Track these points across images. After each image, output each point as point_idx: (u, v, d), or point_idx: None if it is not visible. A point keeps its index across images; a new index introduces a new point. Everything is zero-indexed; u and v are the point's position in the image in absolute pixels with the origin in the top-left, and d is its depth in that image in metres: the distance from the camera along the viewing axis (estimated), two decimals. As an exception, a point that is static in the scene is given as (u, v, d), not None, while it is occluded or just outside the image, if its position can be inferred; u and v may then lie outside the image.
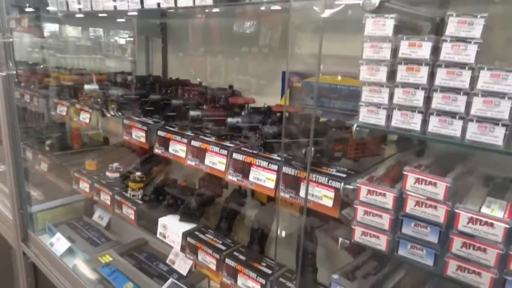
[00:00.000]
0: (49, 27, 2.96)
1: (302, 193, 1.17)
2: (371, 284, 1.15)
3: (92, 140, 2.60)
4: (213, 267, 1.53)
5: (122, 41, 2.92)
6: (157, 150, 1.66)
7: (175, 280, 1.72)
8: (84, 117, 2.06)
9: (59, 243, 2.22)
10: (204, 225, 1.73)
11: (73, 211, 2.61)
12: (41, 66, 3.02)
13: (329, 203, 1.11)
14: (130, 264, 2.03)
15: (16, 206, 2.32)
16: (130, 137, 1.80)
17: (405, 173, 0.94)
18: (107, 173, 2.10)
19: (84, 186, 2.21)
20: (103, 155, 2.43)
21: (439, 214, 0.91)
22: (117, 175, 2.10)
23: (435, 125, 0.90)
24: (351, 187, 1.07)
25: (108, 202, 2.07)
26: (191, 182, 2.01)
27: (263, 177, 1.27)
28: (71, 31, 3.16)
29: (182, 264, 2.01)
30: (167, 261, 2.05)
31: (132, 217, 1.93)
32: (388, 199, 0.98)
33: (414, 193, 0.93)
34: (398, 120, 0.96)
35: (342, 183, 1.08)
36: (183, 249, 1.68)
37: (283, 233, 1.62)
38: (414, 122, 0.93)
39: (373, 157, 1.31)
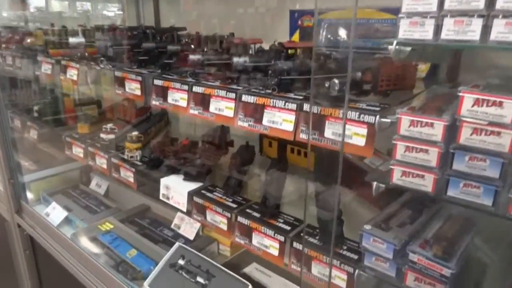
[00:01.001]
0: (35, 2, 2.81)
1: (327, 133, 1.01)
2: (409, 234, 1.01)
3: (83, 101, 2.41)
4: (224, 227, 1.39)
5: (110, 14, 2.81)
6: (155, 102, 1.47)
7: (182, 244, 1.58)
8: (71, 73, 1.86)
9: (55, 213, 2.07)
10: (210, 183, 1.58)
11: (69, 180, 2.46)
12: (23, 28, 2.79)
13: (361, 141, 0.95)
14: (132, 230, 1.90)
15: (6, 175, 2.16)
16: (123, 90, 1.62)
17: (460, 94, 0.77)
18: (102, 135, 1.93)
19: (78, 151, 2.04)
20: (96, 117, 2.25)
21: (504, 142, 0.75)
22: (112, 136, 1.92)
23: (501, 31, 0.72)
24: (388, 120, 0.90)
25: (105, 166, 1.91)
26: (193, 141, 1.84)
27: (279, 119, 1.10)
28: (57, 5, 3.01)
29: (188, 228, 1.87)
30: (172, 226, 1.92)
31: (132, 180, 1.77)
32: (436, 130, 0.82)
33: (472, 118, 0.77)
34: (450, 30, 0.78)
35: (377, 116, 0.91)
36: (189, 210, 1.53)
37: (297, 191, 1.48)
38: (472, 30, 0.75)
39: (404, 92, 1.14)
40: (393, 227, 1.03)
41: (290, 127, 1.07)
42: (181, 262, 1.53)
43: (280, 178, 1.47)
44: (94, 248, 1.77)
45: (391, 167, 0.89)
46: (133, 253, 1.73)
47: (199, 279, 1.44)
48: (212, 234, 1.85)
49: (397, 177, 0.89)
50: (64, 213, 2.04)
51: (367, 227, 1.02)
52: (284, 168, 1.54)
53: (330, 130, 1.00)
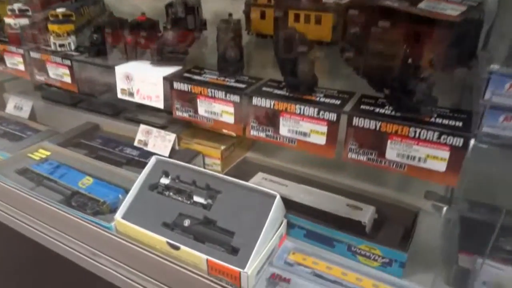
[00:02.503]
0: None
1: None
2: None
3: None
4: (229, 118, 0.94)
5: None
6: None
7: (161, 157, 1.12)
8: None
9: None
10: (193, 65, 1.08)
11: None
12: None
13: None
14: (81, 154, 1.37)
15: None
16: None
17: None
18: (7, 20, 1.28)
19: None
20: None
21: None
22: (25, 21, 1.29)
23: None
24: None
25: (21, 68, 1.30)
26: (151, 19, 1.28)
27: None
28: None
29: (160, 143, 1.40)
30: (136, 144, 1.43)
31: (68, 80, 1.21)
32: None
33: None
34: None
35: None
36: (167, 106, 1.05)
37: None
38: None
39: None
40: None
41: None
42: (164, 181, 1.08)
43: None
44: (26, 183, 1.24)
45: None
46: (88, 181, 1.23)
47: (198, 198, 1.02)
48: (193, 145, 1.40)
49: None
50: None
51: (494, 67, 0.63)
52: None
53: None
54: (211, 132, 1.49)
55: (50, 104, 1.70)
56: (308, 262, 0.95)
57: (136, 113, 1.60)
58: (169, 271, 0.93)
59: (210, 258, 0.88)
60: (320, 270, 0.92)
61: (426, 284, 0.89)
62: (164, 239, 0.94)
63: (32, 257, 1.28)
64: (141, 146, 1.42)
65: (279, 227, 0.97)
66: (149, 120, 1.50)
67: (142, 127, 1.43)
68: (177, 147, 1.39)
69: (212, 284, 0.88)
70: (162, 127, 1.44)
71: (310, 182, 1.19)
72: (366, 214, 1.02)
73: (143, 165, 1.13)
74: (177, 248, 0.92)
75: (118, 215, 1.02)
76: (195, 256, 0.90)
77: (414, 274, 0.94)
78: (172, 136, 1.37)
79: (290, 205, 1.04)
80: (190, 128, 1.53)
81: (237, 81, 0.95)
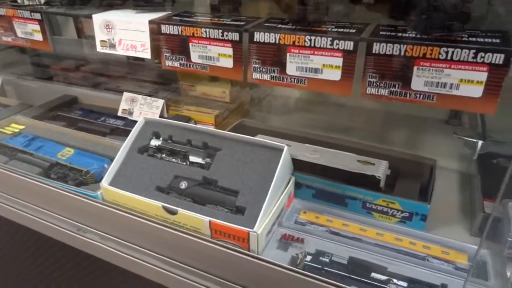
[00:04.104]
0: None
1: None
2: None
3: None
4: (227, 62, 0.82)
5: None
6: None
7: (150, 118, 1.00)
8: None
9: None
10: (183, 10, 0.96)
11: None
12: None
13: None
14: (59, 126, 1.24)
15: None
16: None
17: None
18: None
19: None
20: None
21: None
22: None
23: None
24: None
25: (-15, 30, 1.15)
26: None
27: None
28: None
29: (146, 111, 1.28)
30: (120, 113, 1.30)
31: (39, 37, 1.07)
32: None
33: None
34: None
35: None
36: (156, 56, 0.92)
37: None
38: None
39: None
40: None
41: None
42: (155, 142, 0.96)
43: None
44: (-1, 157, 1.10)
45: None
46: (69, 152, 1.10)
47: (194, 158, 0.90)
48: (183, 112, 1.29)
49: None
50: None
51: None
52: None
53: None
54: (201, 99, 1.38)
55: (21, 79, 1.55)
56: (321, 220, 0.85)
57: (117, 83, 1.47)
58: (167, 239, 0.82)
59: (213, 219, 0.77)
60: (336, 227, 0.83)
61: (450, 236, 0.81)
62: (159, 204, 0.82)
63: (9, 238, 1.15)
64: (125, 115, 1.29)
65: (287, 185, 0.87)
66: (133, 90, 1.38)
67: (126, 95, 1.31)
68: (166, 115, 1.28)
69: (218, 248, 0.77)
70: (148, 95, 1.32)
71: (316, 142, 1.09)
72: (379, 168, 0.94)
73: (127, 134, 1.01)
74: (174, 212, 0.81)
75: (104, 182, 0.90)
76: (195, 219, 0.79)
77: (436, 228, 0.86)
78: (160, 102, 1.25)
79: (295, 164, 0.94)
80: (179, 96, 1.42)
81: (234, 20, 0.84)
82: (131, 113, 1.29)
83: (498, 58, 0.59)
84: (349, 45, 0.69)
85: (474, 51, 0.61)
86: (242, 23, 0.81)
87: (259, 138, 0.89)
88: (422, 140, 1.15)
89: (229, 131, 1.20)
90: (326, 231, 0.82)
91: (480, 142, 0.69)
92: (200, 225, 0.79)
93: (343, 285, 0.67)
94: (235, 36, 0.78)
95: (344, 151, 1.04)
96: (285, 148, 0.84)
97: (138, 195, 0.85)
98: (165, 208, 0.82)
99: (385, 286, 0.69)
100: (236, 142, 0.89)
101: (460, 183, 1.01)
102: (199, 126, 0.97)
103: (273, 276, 0.73)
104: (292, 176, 0.90)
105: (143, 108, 1.28)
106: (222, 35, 0.80)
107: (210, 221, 0.78)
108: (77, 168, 1.02)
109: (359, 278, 0.71)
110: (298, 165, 0.95)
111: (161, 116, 1.25)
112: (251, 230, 0.74)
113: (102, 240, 0.92)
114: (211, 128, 0.94)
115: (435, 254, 0.75)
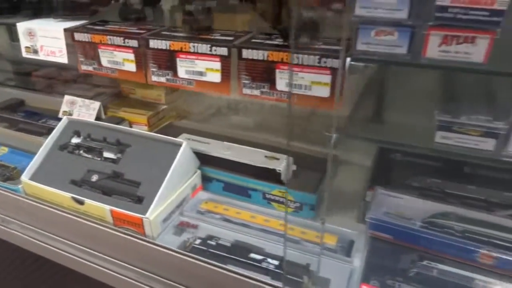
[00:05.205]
0: None
1: None
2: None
3: None
4: (132, 68, 0.91)
5: None
6: None
7: (73, 117, 1.08)
8: None
9: None
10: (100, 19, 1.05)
11: None
12: None
13: None
14: (-1, 127, 1.32)
15: None
16: None
17: None
18: None
19: None
20: None
21: None
22: None
23: None
24: None
25: None
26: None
27: None
28: None
29: (84, 112, 1.35)
30: (60, 115, 1.38)
31: (-26, 44, 1.15)
32: None
33: None
34: None
35: None
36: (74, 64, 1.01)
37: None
38: None
39: None
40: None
41: None
42: (75, 140, 1.04)
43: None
44: None
45: None
46: (3, 151, 1.18)
47: (108, 154, 0.99)
48: (119, 114, 1.37)
49: None
50: None
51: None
52: None
53: None
54: (140, 102, 1.46)
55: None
56: (219, 209, 0.94)
57: (66, 88, 1.55)
58: (75, 226, 0.90)
59: (113, 208, 0.85)
60: (229, 215, 0.91)
61: (340, 224, 0.90)
62: (69, 195, 0.90)
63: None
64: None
65: (191, 177, 0.96)
66: (79, 94, 1.46)
67: (67, 98, 1.39)
68: (103, 116, 1.36)
69: (119, 235, 0.85)
70: (90, 98, 1.40)
71: (235, 140, 1.18)
72: (281, 163, 1.02)
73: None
74: (81, 202, 0.89)
75: (24, 176, 0.98)
76: (99, 208, 0.87)
77: (328, 216, 0.94)
78: (96, 104, 1.33)
79: (208, 159, 1.03)
80: (120, 99, 1.50)
81: (139, 28, 0.93)
82: (70, 115, 1.37)
83: (336, 63, 0.69)
84: (223, 51, 0.78)
85: (318, 57, 0.70)
86: (143, 31, 0.90)
87: (161, 136, 0.97)
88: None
89: (158, 131, 1.29)
90: (219, 219, 0.90)
91: (334, 136, 0.78)
92: (103, 213, 0.87)
93: (220, 264, 0.75)
94: (134, 43, 0.88)
95: (259, 147, 1.12)
96: (184, 143, 0.92)
97: (52, 188, 0.93)
98: (74, 198, 0.90)
99: (260, 264, 0.78)
100: (144, 138, 0.98)
101: (361, 176, 1.10)
102: (115, 125, 1.05)
103: (164, 258, 0.81)
104: (198, 170, 0.99)
105: (81, 110, 1.36)
106: (124, 42, 0.89)
107: (111, 210, 0.86)
108: (6, 165, 1.09)
109: (238, 258, 0.80)
110: (211, 161, 1.04)
111: (98, 117, 1.33)
112: (144, 216, 0.82)
113: (23, 230, 1.00)
114: (126, 127, 1.02)
115: (309, 238, 0.84)
